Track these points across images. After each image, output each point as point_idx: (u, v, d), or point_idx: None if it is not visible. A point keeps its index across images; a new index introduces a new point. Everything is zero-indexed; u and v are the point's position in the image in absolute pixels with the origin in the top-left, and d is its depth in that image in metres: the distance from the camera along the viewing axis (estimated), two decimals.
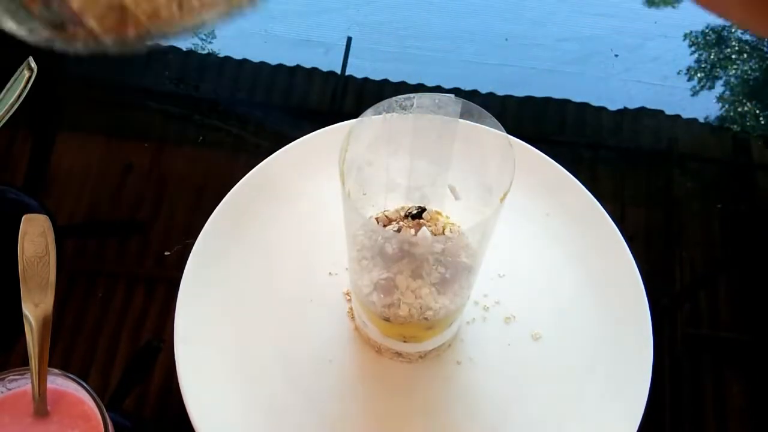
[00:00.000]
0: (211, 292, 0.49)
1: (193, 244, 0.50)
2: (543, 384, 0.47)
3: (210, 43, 0.67)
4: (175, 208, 0.57)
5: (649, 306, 0.48)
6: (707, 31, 0.70)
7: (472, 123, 0.38)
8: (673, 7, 0.72)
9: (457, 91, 0.63)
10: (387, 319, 0.42)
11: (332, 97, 0.64)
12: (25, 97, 0.52)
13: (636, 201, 0.58)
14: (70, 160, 0.59)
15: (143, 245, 0.55)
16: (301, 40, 0.68)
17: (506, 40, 0.68)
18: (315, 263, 0.51)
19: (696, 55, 0.68)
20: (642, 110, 0.64)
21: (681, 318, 0.53)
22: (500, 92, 0.64)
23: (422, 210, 0.44)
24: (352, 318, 0.49)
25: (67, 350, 0.50)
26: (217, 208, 0.51)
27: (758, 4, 0.22)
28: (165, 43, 0.65)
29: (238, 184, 0.53)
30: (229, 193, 0.52)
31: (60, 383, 0.42)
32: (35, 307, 0.43)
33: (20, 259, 0.44)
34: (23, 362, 0.41)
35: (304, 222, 0.53)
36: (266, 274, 0.51)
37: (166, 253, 0.54)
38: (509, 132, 0.37)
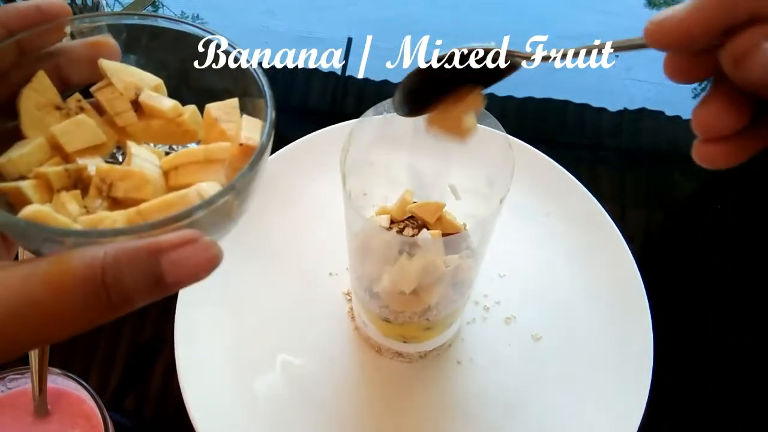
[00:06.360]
0: (211, 292, 0.49)
1: None
2: (543, 384, 0.47)
3: None
4: None
5: (649, 306, 0.48)
6: None
7: None
8: None
9: None
10: (387, 320, 0.42)
11: (333, 97, 0.64)
12: None
13: (636, 201, 0.58)
14: None
15: None
16: (302, 38, 0.68)
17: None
18: (315, 263, 0.51)
19: None
20: (642, 111, 0.64)
21: (681, 318, 0.52)
22: (501, 93, 0.64)
23: None
24: (352, 318, 0.49)
25: (67, 350, 0.50)
26: None
27: None
28: None
29: None
30: None
31: (60, 383, 0.42)
32: None
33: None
34: (23, 362, 0.41)
35: (304, 222, 0.53)
36: (266, 274, 0.51)
37: None
38: (509, 132, 0.37)
